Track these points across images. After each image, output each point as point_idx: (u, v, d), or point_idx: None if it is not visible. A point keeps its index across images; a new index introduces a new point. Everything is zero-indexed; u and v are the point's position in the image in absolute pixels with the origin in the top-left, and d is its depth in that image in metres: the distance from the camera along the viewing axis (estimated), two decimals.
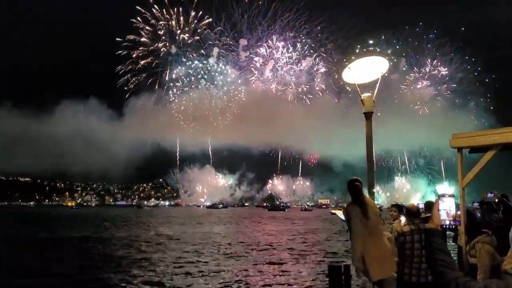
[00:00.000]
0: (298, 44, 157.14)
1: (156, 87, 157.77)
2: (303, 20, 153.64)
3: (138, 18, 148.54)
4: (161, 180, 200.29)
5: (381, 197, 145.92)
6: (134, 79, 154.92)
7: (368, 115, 5.51)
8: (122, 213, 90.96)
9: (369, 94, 5.60)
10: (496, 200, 7.63)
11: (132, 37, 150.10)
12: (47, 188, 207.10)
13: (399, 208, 6.76)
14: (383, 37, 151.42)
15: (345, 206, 4.69)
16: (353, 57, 5.78)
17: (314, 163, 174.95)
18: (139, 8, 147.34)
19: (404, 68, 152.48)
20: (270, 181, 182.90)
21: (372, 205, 4.61)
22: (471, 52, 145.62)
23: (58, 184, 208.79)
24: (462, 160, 6.26)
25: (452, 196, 2.78)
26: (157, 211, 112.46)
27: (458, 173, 6.20)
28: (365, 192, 4.80)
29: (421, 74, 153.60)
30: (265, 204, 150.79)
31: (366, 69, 5.65)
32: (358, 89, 5.70)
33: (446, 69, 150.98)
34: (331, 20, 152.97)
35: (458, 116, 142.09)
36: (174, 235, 32.30)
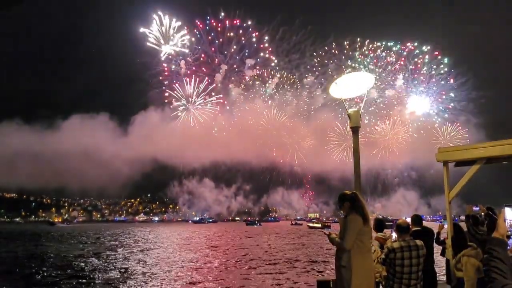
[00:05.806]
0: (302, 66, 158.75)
1: (163, 103, 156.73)
2: (308, 43, 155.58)
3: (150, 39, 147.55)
4: (149, 195, 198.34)
5: (375, 209, 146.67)
6: (142, 95, 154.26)
7: (355, 130, 5.56)
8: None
9: (356, 109, 5.65)
10: (482, 213, 7.71)
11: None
12: (33, 204, 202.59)
13: (380, 223, 6.70)
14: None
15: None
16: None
17: (310, 186, 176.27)
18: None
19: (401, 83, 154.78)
20: (266, 194, 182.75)
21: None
22: (463, 70, 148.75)
23: (44, 200, 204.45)
24: (448, 174, 6.34)
25: None
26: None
27: (445, 187, 6.27)
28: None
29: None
30: (250, 218, 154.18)
31: (353, 84, 5.72)
32: (345, 104, 5.76)
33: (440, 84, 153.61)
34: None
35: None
36: None
